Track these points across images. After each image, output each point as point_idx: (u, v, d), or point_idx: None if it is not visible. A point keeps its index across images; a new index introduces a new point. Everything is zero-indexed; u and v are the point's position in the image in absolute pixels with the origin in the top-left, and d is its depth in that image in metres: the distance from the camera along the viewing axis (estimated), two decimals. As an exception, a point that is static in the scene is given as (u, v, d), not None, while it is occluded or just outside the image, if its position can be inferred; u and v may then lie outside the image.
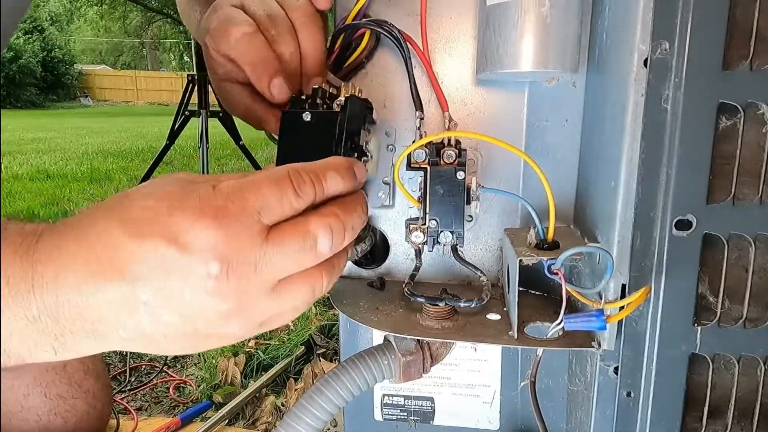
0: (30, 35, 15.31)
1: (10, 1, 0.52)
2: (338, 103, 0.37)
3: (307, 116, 0.37)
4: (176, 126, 2.18)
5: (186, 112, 2.14)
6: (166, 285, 0.26)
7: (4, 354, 0.28)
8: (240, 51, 0.37)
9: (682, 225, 0.34)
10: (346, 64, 0.43)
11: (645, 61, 0.32)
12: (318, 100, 0.37)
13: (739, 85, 0.32)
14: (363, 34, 0.41)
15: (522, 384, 0.47)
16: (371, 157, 0.40)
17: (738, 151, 0.33)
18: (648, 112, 0.33)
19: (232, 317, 0.28)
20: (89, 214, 0.28)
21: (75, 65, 17.90)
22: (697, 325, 0.35)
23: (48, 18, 17.73)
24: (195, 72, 2.05)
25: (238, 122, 1.86)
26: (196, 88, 2.04)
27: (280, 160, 0.37)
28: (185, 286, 0.26)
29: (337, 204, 0.30)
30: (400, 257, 0.47)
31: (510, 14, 0.35)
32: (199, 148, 1.86)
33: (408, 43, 0.41)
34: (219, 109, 2.12)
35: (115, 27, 19.83)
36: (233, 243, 0.26)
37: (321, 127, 0.37)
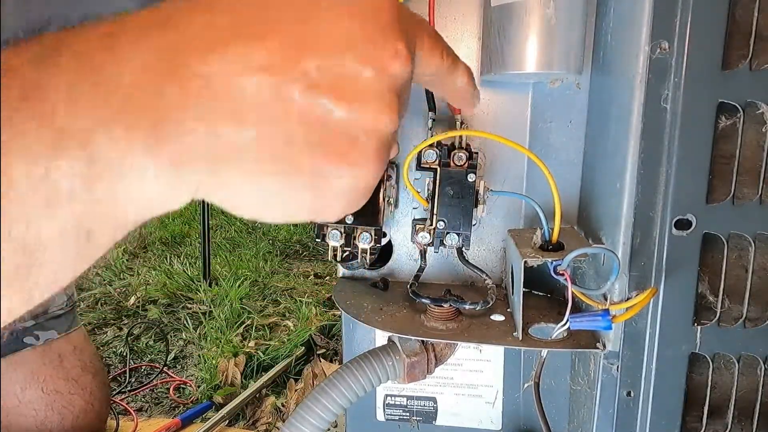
0: (28, 36, 15.26)
1: None
2: None
3: None
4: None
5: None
6: None
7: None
8: None
9: (682, 224, 0.34)
10: None
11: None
12: None
13: (738, 85, 0.32)
14: None
15: (526, 385, 0.47)
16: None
17: (737, 151, 0.33)
18: (647, 112, 0.33)
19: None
20: None
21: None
22: (697, 325, 0.35)
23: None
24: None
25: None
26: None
27: None
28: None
29: None
30: (403, 258, 0.47)
31: (515, 16, 0.35)
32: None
33: None
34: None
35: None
36: None
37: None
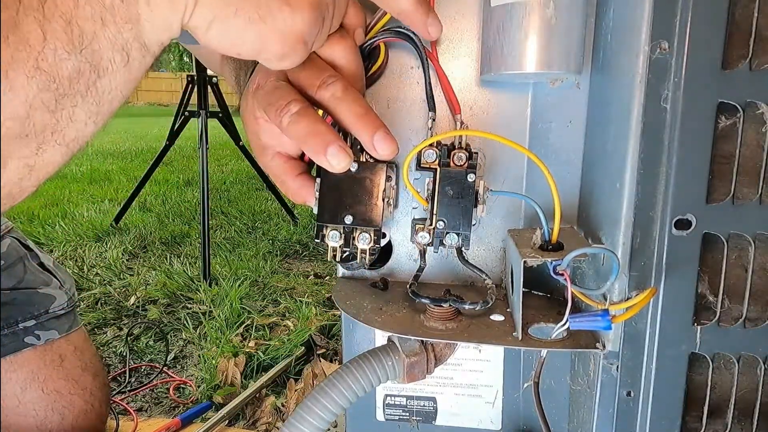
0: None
1: None
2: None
3: (354, 167, 0.38)
4: (176, 127, 2.17)
5: (185, 113, 2.13)
6: None
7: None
8: (291, 130, 0.36)
9: (682, 224, 0.34)
10: (367, 75, 0.43)
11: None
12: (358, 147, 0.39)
13: (738, 85, 0.32)
14: (379, 45, 0.41)
15: (525, 385, 0.47)
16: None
17: (737, 151, 0.33)
18: (647, 112, 0.33)
19: None
20: None
21: (73, 66, 17.81)
22: (697, 325, 0.35)
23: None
24: (194, 73, 2.04)
25: (238, 123, 1.86)
26: (195, 89, 2.04)
27: (323, 209, 0.39)
28: None
29: None
30: (402, 258, 0.47)
31: (514, 15, 0.35)
32: (199, 148, 1.86)
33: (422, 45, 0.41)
34: (218, 109, 2.11)
35: (114, 28, 19.70)
36: None
37: (366, 176, 0.39)
